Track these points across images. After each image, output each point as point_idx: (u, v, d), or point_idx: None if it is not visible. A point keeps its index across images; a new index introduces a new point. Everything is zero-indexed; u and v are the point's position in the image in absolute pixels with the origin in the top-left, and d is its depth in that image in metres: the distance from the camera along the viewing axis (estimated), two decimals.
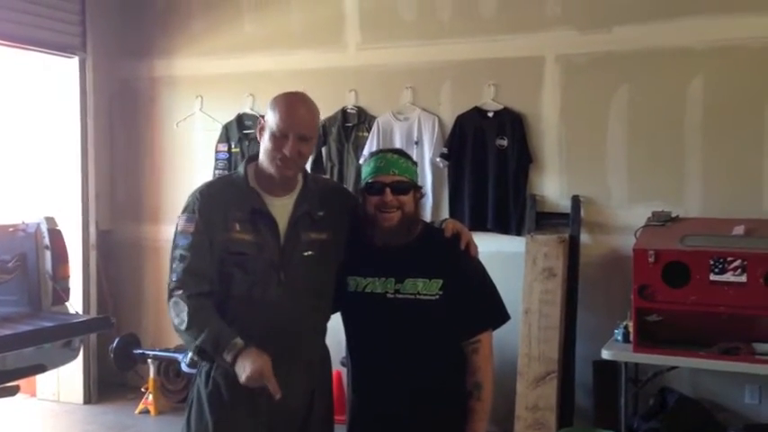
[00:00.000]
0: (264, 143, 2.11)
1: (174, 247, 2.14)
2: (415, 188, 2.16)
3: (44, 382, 5.12)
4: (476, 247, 2.19)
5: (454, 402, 2.09)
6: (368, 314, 2.14)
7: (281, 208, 2.15)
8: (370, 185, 2.12)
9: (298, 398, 2.14)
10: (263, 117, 2.16)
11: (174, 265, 2.12)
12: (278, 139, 2.07)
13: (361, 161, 4.65)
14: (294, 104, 2.11)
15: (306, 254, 2.13)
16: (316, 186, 2.22)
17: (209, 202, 2.13)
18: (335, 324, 2.26)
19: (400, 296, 2.10)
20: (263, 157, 2.12)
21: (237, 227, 2.10)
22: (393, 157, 2.16)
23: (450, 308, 2.09)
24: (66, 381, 5.08)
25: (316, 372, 2.20)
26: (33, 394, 5.22)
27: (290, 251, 2.12)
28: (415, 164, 2.23)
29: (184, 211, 2.15)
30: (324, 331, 2.26)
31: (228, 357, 2.00)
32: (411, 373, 2.09)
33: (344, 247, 2.20)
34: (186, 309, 2.05)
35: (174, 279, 2.10)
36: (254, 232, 2.11)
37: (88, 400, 5.12)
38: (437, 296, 2.09)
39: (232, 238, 2.10)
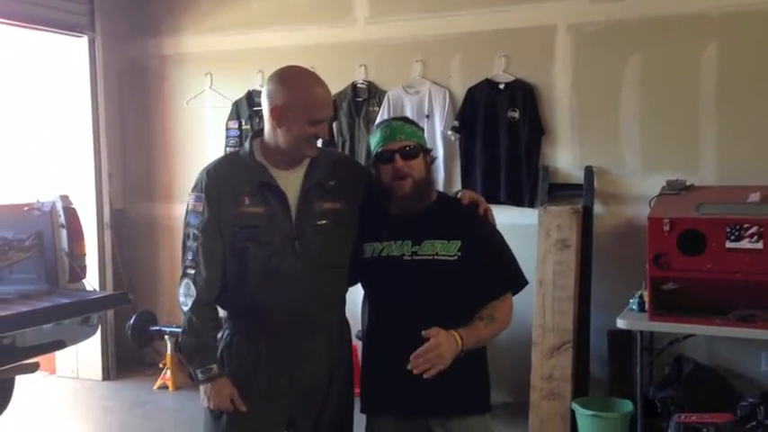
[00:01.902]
0: (293, 130, 2.09)
1: (187, 224, 2.16)
2: (424, 152, 2.16)
3: (63, 359, 5.20)
4: (493, 215, 2.20)
5: (472, 364, 2.10)
6: (385, 278, 2.14)
7: (291, 180, 2.16)
8: (380, 155, 2.13)
9: (318, 373, 2.17)
10: (275, 104, 2.10)
11: (189, 244, 2.15)
12: (314, 126, 2.09)
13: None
14: (320, 89, 2.12)
15: (320, 223, 2.14)
16: (324, 158, 2.22)
17: (216, 180, 2.14)
18: (350, 298, 2.27)
19: (418, 258, 2.10)
20: (285, 141, 2.11)
21: (247, 201, 2.11)
22: (398, 124, 2.17)
23: (470, 269, 2.09)
24: (84, 358, 5.15)
25: (335, 345, 2.21)
26: (53, 371, 5.29)
27: (304, 221, 2.13)
28: (421, 129, 2.23)
29: (194, 189, 2.18)
30: (343, 302, 2.27)
31: (200, 376, 2.11)
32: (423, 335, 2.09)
33: (359, 216, 2.21)
34: (193, 300, 2.11)
35: (189, 258, 2.14)
36: (265, 205, 2.12)
37: (107, 376, 5.19)
38: (456, 257, 2.09)
39: (243, 213, 2.11)
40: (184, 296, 2.14)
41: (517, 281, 2.21)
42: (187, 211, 2.18)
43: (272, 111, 2.11)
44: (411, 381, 1.96)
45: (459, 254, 2.09)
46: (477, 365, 2.15)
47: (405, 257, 2.11)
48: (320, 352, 2.17)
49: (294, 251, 2.12)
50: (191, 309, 2.12)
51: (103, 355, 5.15)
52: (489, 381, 2.21)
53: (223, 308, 2.22)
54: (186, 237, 2.17)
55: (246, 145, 2.22)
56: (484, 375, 2.20)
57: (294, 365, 2.14)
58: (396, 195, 2.12)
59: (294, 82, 2.12)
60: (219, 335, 2.21)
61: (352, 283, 2.27)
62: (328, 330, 2.20)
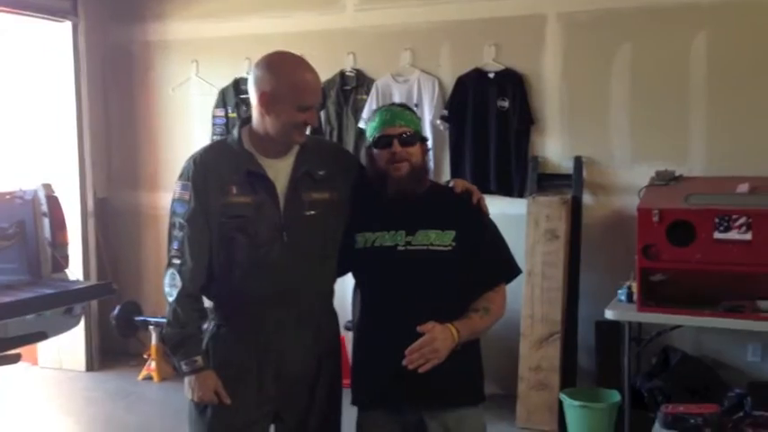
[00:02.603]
0: (282, 117, 2.05)
1: (173, 213, 2.12)
2: (421, 140, 2.15)
3: (46, 350, 5.13)
4: (486, 204, 2.17)
5: (466, 355, 2.07)
6: (378, 269, 2.11)
7: (279, 169, 2.11)
8: (378, 139, 2.10)
9: (305, 364, 2.13)
10: (264, 90, 2.05)
11: (175, 233, 2.11)
12: (303, 112, 2.05)
13: (360, 124, 4.60)
14: (310, 73, 2.07)
15: (308, 213, 2.10)
16: (314, 146, 2.18)
17: (203, 169, 2.10)
18: (338, 288, 2.24)
19: (411, 248, 2.07)
20: (274, 128, 2.07)
21: (235, 190, 2.07)
22: (398, 110, 2.16)
23: (464, 259, 2.07)
24: (67, 349, 5.08)
25: (323, 336, 2.18)
26: (35, 362, 5.23)
27: (292, 211, 2.10)
28: (418, 117, 2.23)
29: (180, 177, 2.13)
30: (331, 293, 2.23)
31: (184, 368, 2.07)
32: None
33: (349, 205, 2.17)
34: (178, 290, 2.07)
35: (175, 247, 2.10)
36: (252, 194, 2.08)
37: (90, 367, 5.13)
38: (450, 247, 2.06)
39: (230, 202, 2.07)
40: (169, 286, 2.10)
41: (511, 271, 2.19)
42: (173, 200, 2.14)
43: (261, 97, 2.06)
44: (404, 373, 1.93)
45: (454, 244, 2.06)
46: (471, 356, 2.13)
47: (398, 247, 2.08)
48: (308, 344, 2.14)
49: (282, 242, 2.08)
50: (176, 299, 2.08)
51: (87, 345, 5.10)
52: (482, 371, 2.19)
53: (209, 298, 2.18)
54: (172, 226, 2.13)
55: (234, 132, 2.17)
56: (477, 366, 2.17)
57: (281, 357, 2.11)
58: (392, 178, 2.08)
59: (283, 67, 2.07)
60: (205, 326, 2.17)
61: (342, 274, 2.23)
62: (316, 322, 2.16)
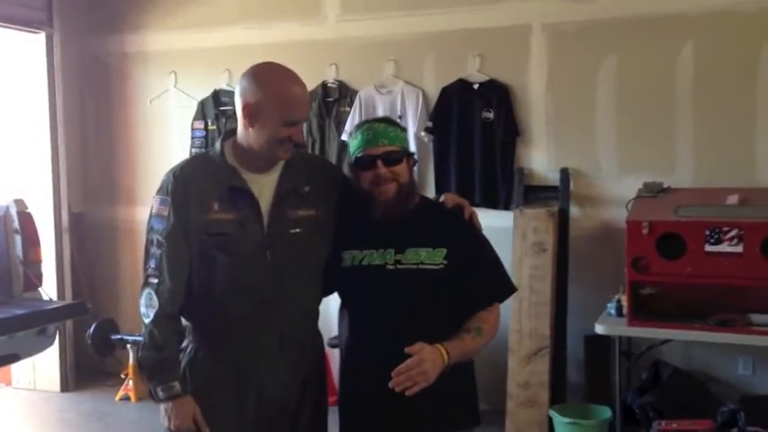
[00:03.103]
0: (267, 131, 1.95)
1: (150, 229, 2.02)
2: (407, 156, 2.05)
3: (19, 370, 4.97)
4: (478, 219, 2.09)
5: (458, 376, 1.98)
6: (367, 288, 2.02)
7: (264, 185, 2.02)
8: (360, 160, 2.00)
9: (288, 388, 2.03)
10: (248, 102, 1.96)
11: (152, 250, 2.00)
12: (289, 127, 1.95)
13: (343, 137, 4.52)
14: (298, 87, 1.97)
15: (293, 231, 2.01)
16: (299, 161, 2.08)
17: (183, 183, 1.99)
18: (323, 305, 2.15)
19: (401, 267, 1.98)
20: (258, 142, 1.97)
21: (216, 206, 1.97)
22: (380, 127, 2.03)
23: (456, 278, 1.98)
24: (42, 368, 4.92)
25: (307, 360, 2.08)
26: (8, 383, 5.07)
27: (277, 229, 2.00)
28: (404, 130, 2.13)
29: (159, 191, 2.03)
30: (316, 315, 2.14)
31: (160, 394, 1.95)
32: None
33: (336, 222, 2.08)
34: (155, 311, 1.97)
35: (152, 266, 1.99)
36: (235, 211, 1.98)
37: (66, 387, 4.97)
38: (441, 265, 1.97)
39: (211, 219, 1.97)
40: (146, 307, 1.99)
41: (506, 289, 2.11)
42: (151, 215, 2.03)
43: (245, 108, 1.96)
44: (394, 397, 1.83)
45: (446, 262, 1.97)
46: (464, 377, 2.04)
47: (387, 266, 1.98)
48: (291, 367, 2.03)
49: (265, 261, 1.99)
50: (152, 321, 1.97)
51: (62, 365, 4.93)
52: (476, 393, 2.10)
53: (187, 319, 2.08)
54: (149, 243, 2.02)
55: (217, 145, 2.07)
56: (471, 386, 2.09)
57: (263, 383, 2.00)
58: (378, 201, 1.99)
59: (269, 79, 1.97)
60: (184, 345, 2.06)
61: (328, 293, 2.14)
62: (300, 345, 2.06)
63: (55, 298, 4.82)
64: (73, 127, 5.14)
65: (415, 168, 4.33)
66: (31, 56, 4.94)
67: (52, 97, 4.94)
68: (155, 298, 1.97)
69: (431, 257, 1.97)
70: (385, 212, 2.00)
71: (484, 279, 2.05)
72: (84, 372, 5.05)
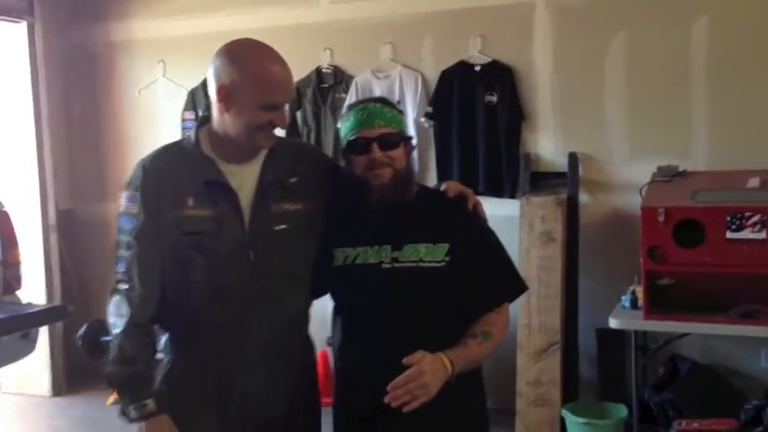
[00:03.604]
0: (244, 116, 1.75)
1: (119, 229, 1.81)
2: (405, 140, 1.85)
3: (8, 374, 4.76)
4: (483, 210, 1.88)
5: (465, 385, 1.77)
6: (361, 289, 1.82)
7: (244, 177, 1.81)
8: (353, 143, 1.80)
9: (276, 404, 1.84)
10: (222, 83, 1.76)
11: (121, 252, 1.79)
12: (268, 111, 1.74)
13: (339, 124, 4.31)
14: (277, 67, 1.76)
15: (278, 228, 1.81)
16: (284, 149, 1.88)
17: (154, 177, 1.79)
18: (318, 303, 1.95)
19: (399, 265, 1.77)
20: (235, 128, 1.77)
21: (191, 202, 1.77)
22: (376, 107, 1.83)
23: (460, 277, 1.78)
24: (31, 372, 4.73)
25: (296, 371, 1.88)
26: None
27: (259, 226, 1.80)
28: (401, 112, 1.92)
29: (127, 186, 1.82)
30: (306, 320, 1.94)
31: (132, 414, 1.74)
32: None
33: (327, 217, 1.88)
34: (125, 320, 1.76)
35: (121, 270, 1.79)
36: (212, 206, 1.78)
37: (56, 392, 4.79)
38: (443, 263, 1.77)
39: (186, 216, 1.77)
40: (115, 316, 1.79)
41: (515, 288, 1.91)
42: (119, 214, 1.83)
43: (219, 91, 1.76)
44: (392, 412, 1.63)
45: (448, 259, 1.77)
46: (471, 388, 1.83)
47: (383, 265, 1.78)
48: (280, 381, 1.84)
49: (247, 261, 1.79)
50: (122, 331, 1.77)
51: (52, 368, 4.75)
52: (485, 402, 1.90)
53: (162, 328, 1.88)
54: (117, 244, 1.82)
55: (191, 134, 1.86)
56: (479, 399, 1.88)
57: (248, 396, 1.81)
58: (372, 186, 1.79)
59: (245, 57, 1.77)
60: (159, 357, 1.86)
61: (319, 295, 1.93)
62: (289, 355, 1.86)
63: (43, 299, 4.66)
64: (58, 120, 4.94)
65: (415, 155, 4.19)
66: (12, 46, 4.74)
67: (35, 89, 4.74)
68: (124, 305, 1.77)
69: (431, 254, 1.78)
70: (380, 199, 1.80)
71: (491, 277, 1.85)
72: (76, 375, 4.87)
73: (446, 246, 1.78)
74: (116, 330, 1.78)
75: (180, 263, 1.78)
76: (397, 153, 1.81)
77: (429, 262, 1.77)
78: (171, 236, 1.77)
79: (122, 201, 1.83)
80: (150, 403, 1.75)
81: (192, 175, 1.79)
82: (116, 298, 1.79)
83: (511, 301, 1.89)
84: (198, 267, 1.78)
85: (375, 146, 1.78)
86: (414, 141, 1.94)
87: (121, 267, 1.79)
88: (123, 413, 1.77)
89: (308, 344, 1.95)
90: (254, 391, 1.81)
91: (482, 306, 1.81)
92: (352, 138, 1.80)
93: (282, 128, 1.82)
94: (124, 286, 1.78)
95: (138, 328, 1.78)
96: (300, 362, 1.90)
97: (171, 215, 1.77)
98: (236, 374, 1.81)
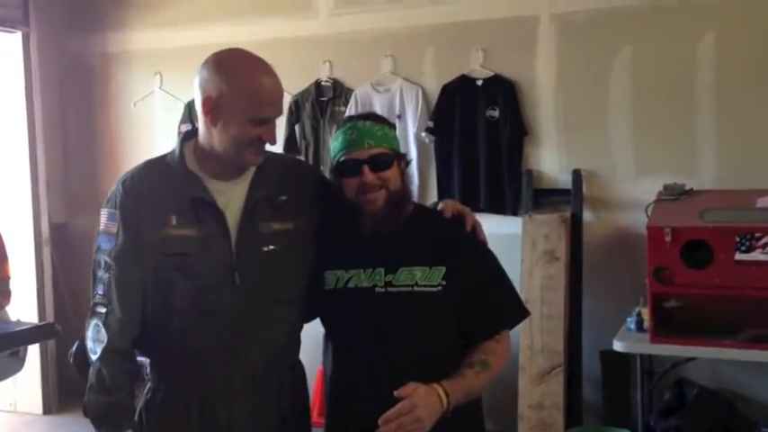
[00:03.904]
0: (231, 130, 1.66)
1: (97, 249, 1.74)
2: (398, 158, 1.74)
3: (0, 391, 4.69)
4: (483, 230, 1.79)
5: (462, 423, 1.68)
6: (353, 314, 1.72)
7: (231, 195, 1.72)
8: (343, 165, 1.71)
9: None
10: (209, 95, 1.67)
11: (99, 274, 1.72)
12: (256, 126, 1.66)
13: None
14: (267, 79, 1.68)
15: (266, 249, 1.71)
16: (273, 166, 1.78)
17: (135, 193, 1.71)
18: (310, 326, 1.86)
19: (393, 289, 1.68)
20: (221, 143, 1.69)
21: (174, 220, 1.68)
22: (365, 126, 1.72)
23: (456, 302, 1.69)
24: (23, 389, 4.64)
25: (285, 399, 1.78)
26: None
27: (247, 247, 1.71)
28: (393, 127, 1.80)
29: (107, 203, 1.74)
30: (296, 346, 1.85)
31: None
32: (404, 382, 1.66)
33: (318, 236, 1.79)
34: (104, 346, 1.68)
35: (99, 292, 1.71)
36: (197, 226, 1.69)
37: (48, 410, 4.69)
38: (439, 287, 1.68)
39: (168, 235, 1.68)
40: (93, 341, 1.70)
41: (516, 314, 1.81)
42: (98, 233, 1.75)
43: (205, 103, 1.67)
44: None
45: (444, 283, 1.68)
46: (469, 418, 1.73)
47: (377, 289, 1.69)
48: (267, 410, 1.74)
49: (233, 285, 1.69)
50: (100, 357, 1.68)
51: (44, 386, 4.65)
52: None
53: (143, 354, 1.79)
54: (96, 265, 1.74)
55: (176, 149, 1.77)
56: (478, 430, 1.78)
57: (234, 428, 1.72)
58: (365, 212, 1.70)
59: (234, 68, 1.68)
60: (143, 389, 1.77)
61: (309, 319, 1.84)
62: (277, 382, 1.77)
63: (35, 315, 4.57)
64: (53, 131, 4.87)
65: (414, 171, 4.10)
66: (6, 56, 4.67)
67: (30, 100, 4.67)
68: (102, 330, 1.69)
69: (427, 278, 1.69)
70: (374, 226, 1.71)
71: (490, 303, 1.75)
72: (68, 393, 4.75)
73: (442, 269, 1.69)
74: (94, 357, 1.70)
75: (162, 287, 1.70)
76: (391, 173, 1.71)
77: (424, 286, 1.68)
78: (152, 257, 1.69)
79: (102, 219, 1.75)
80: None
81: (175, 192, 1.71)
82: (94, 322, 1.71)
83: (511, 328, 1.80)
84: (181, 290, 1.69)
85: (366, 168, 1.68)
86: (409, 157, 1.86)
87: (100, 290, 1.72)
88: None
89: (298, 368, 1.85)
90: (240, 422, 1.72)
91: (480, 333, 1.72)
92: (342, 159, 1.71)
93: (272, 143, 1.73)
94: (102, 309, 1.70)
95: (117, 355, 1.70)
96: (290, 387, 1.80)
97: (153, 235, 1.69)
98: (221, 404, 1.72)
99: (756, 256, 3.00)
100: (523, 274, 3.72)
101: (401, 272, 1.69)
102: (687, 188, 3.49)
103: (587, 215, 3.89)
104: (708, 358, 3.44)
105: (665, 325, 3.17)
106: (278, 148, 1.99)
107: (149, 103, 4.80)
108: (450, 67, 4.10)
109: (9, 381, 4.21)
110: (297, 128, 4.39)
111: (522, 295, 3.61)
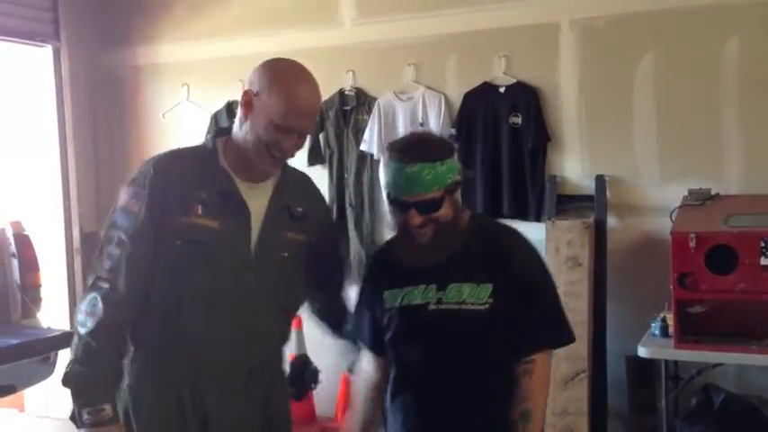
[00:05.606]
0: (256, 128, 1.71)
1: (111, 225, 1.73)
2: (449, 193, 1.70)
3: (33, 395, 4.77)
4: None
5: None
6: (407, 333, 1.72)
7: (256, 197, 1.77)
8: (392, 201, 1.70)
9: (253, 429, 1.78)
10: (250, 89, 1.74)
11: (109, 249, 1.70)
12: (278, 131, 1.69)
13: (362, 147, 4.29)
14: (304, 92, 1.72)
15: (282, 254, 1.76)
16: (294, 178, 1.85)
17: (165, 177, 1.72)
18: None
19: (443, 306, 1.68)
20: (246, 139, 1.74)
21: (200, 210, 1.71)
22: (413, 171, 1.63)
23: (502, 319, 1.68)
24: (56, 394, 4.71)
25: (273, 401, 1.83)
26: (22, 409, 4.88)
27: (266, 249, 1.75)
28: (443, 162, 1.68)
29: (132, 182, 1.75)
30: (284, 350, 1.90)
31: (84, 417, 1.61)
32: (455, 404, 1.69)
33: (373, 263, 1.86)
34: (97, 321, 1.66)
35: (105, 267, 1.69)
36: (220, 218, 1.71)
37: None
38: (486, 305, 1.67)
39: (191, 224, 1.70)
40: (85, 314, 1.68)
41: (560, 334, 1.76)
42: (115, 208, 1.76)
43: (244, 95, 1.74)
44: None
45: (491, 301, 1.67)
46: None
47: (430, 306, 1.69)
48: (255, 410, 1.78)
49: (247, 284, 1.73)
50: (90, 331, 1.66)
51: None
52: None
53: (134, 339, 1.77)
54: (107, 240, 1.72)
55: (209, 141, 1.81)
56: None
57: (221, 424, 1.74)
58: (414, 243, 1.71)
59: (279, 74, 1.74)
60: (126, 370, 1.77)
61: (381, 350, 1.82)
62: (267, 383, 1.81)
63: (66, 322, 4.65)
64: (84, 142, 4.97)
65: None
66: (38, 70, 4.80)
67: (61, 112, 4.79)
68: (99, 305, 1.66)
69: (474, 296, 1.67)
70: (423, 255, 1.71)
71: (536, 318, 1.71)
72: None
73: (489, 287, 1.67)
74: (83, 330, 1.67)
75: (174, 273, 1.71)
76: (441, 212, 1.68)
77: (471, 304, 1.67)
78: (171, 241, 1.70)
79: (124, 196, 1.75)
80: (107, 408, 1.63)
81: (205, 183, 1.73)
82: (92, 295, 1.69)
83: (552, 347, 1.76)
84: (193, 281, 1.71)
85: (414, 212, 1.66)
86: (460, 178, 1.75)
87: (107, 264, 1.70)
88: (73, 417, 1.65)
89: (283, 373, 1.91)
90: (228, 419, 1.75)
91: (521, 348, 1.69)
92: (391, 197, 1.69)
93: (290, 156, 1.77)
94: (104, 285, 1.68)
95: (109, 331, 1.68)
96: (278, 392, 1.85)
97: (176, 220, 1.71)
98: (210, 400, 1.74)
99: None
100: None
101: (450, 288, 1.68)
102: (713, 193, 3.47)
103: (611, 221, 3.88)
104: (734, 364, 3.42)
105: (690, 330, 3.15)
106: (303, 156, 2.03)
107: (177, 114, 4.88)
108: (472, 75, 4.12)
109: (42, 385, 4.30)
110: (321, 137, 4.43)
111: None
